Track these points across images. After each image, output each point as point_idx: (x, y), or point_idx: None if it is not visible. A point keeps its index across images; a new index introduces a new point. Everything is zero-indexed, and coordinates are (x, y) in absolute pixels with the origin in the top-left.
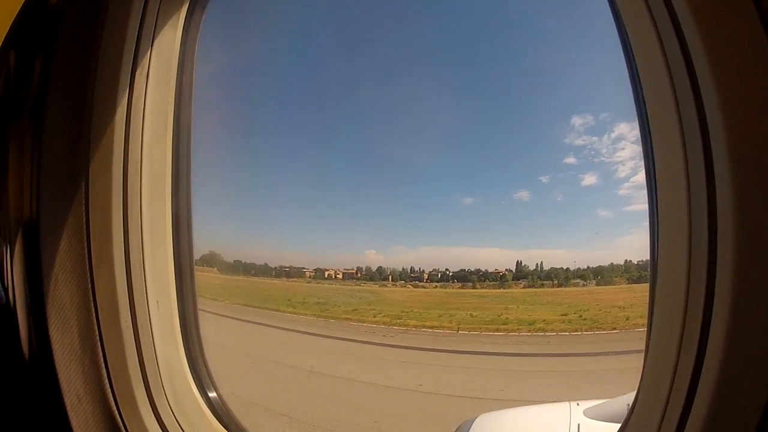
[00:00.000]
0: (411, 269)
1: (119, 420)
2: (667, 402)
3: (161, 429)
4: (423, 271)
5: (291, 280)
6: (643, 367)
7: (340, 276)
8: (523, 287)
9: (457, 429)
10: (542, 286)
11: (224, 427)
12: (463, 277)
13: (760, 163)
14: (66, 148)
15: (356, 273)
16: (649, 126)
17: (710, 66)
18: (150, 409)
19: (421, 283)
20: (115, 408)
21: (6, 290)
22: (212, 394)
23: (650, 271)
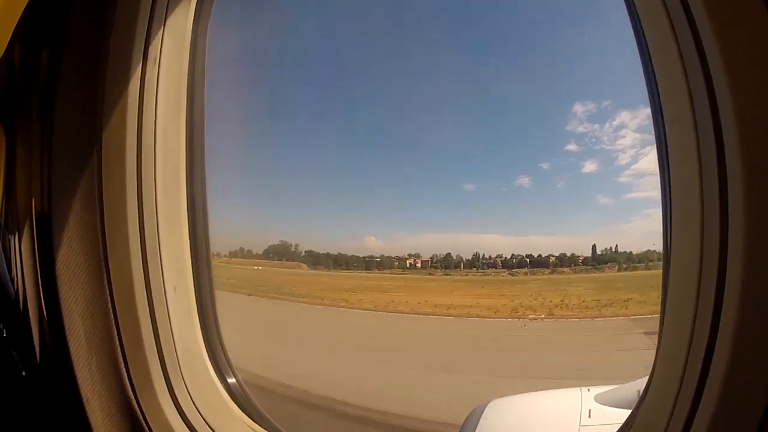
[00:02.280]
0: (480, 256)
1: (137, 407)
2: (679, 388)
3: (180, 415)
4: (491, 257)
5: (387, 271)
6: (656, 353)
7: (419, 265)
8: (618, 270)
9: (469, 415)
10: (635, 269)
11: (244, 413)
12: (540, 263)
13: None
14: (78, 138)
15: (431, 261)
16: (662, 114)
17: (721, 55)
18: (168, 395)
19: (505, 270)
20: (132, 395)
21: (15, 283)
22: (231, 380)
23: (663, 259)
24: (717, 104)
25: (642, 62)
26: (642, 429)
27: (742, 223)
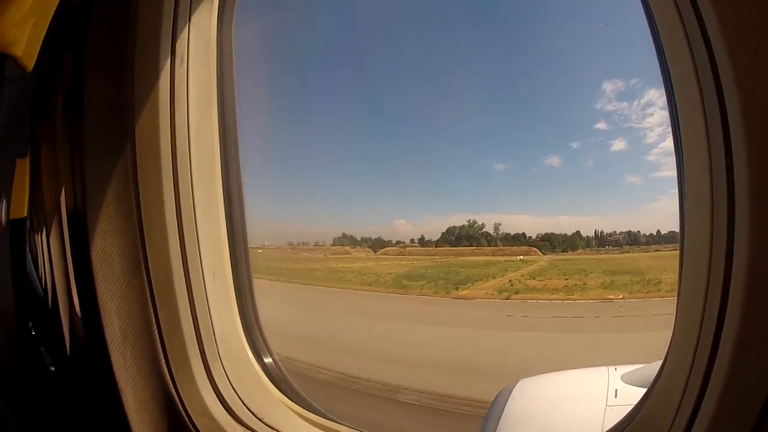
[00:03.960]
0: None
1: (174, 392)
2: (691, 368)
3: (218, 398)
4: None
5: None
6: (672, 335)
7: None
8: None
9: (497, 394)
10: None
11: (281, 392)
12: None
13: None
14: (110, 139)
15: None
16: (676, 108)
17: (728, 51)
18: (207, 379)
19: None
20: (170, 380)
21: (42, 281)
22: (267, 360)
23: (679, 244)
24: (723, 91)
25: (655, 48)
26: (654, 408)
27: (748, 207)
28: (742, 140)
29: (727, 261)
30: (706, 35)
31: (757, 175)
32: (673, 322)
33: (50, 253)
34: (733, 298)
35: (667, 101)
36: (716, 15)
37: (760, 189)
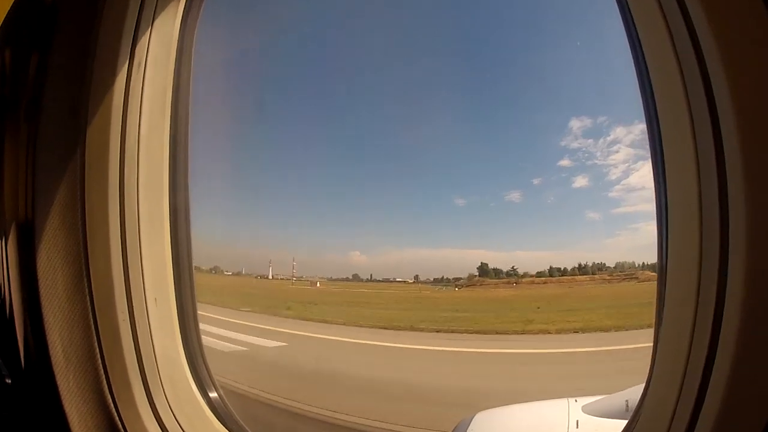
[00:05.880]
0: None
1: (118, 421)
2: (678, 399)
3: (161, 429)
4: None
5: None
6: (651, 364)
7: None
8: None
9: (456, 427)
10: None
11: (225, 427)
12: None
13: None
14: (62, 144)
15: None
16: (658, 119)
17: (721, 58)
18: (149, 408)
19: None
20: (113, 408)
21: (2, 289)
22: (213, 394)
23: (658, 267)
24: (715, 104)
25: (635, 62)
26: None
27: (744, 225)
28: (735, 140)
29: (720, 273)
30: (697, 45)
31: (753, 172)
32: (654, 345)
33: (7, 261)
34: (729, 314)
35: (642, 100)
36: (710, 28)
37: (757, 189)
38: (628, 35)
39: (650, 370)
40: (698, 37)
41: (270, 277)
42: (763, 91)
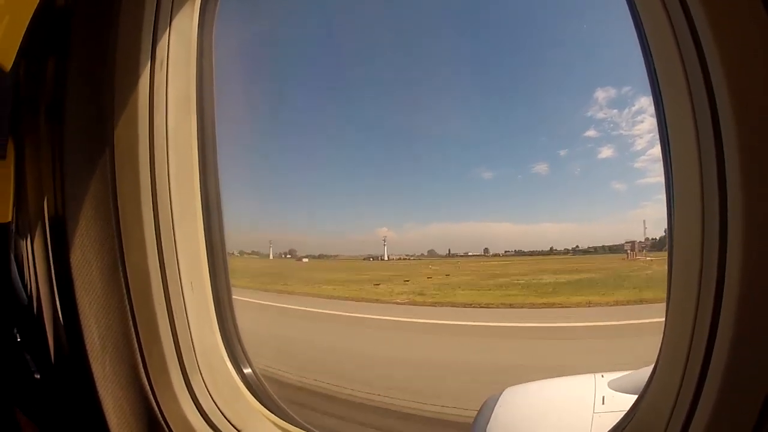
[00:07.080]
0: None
1: (154, 404)
2: (684, 373)
3: (197, 409)
4: None
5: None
6: (662, 341)
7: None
8: None
9: (483, 403)
10: None
11: (261, 404)
12: None
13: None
14: (89, 142)
15: None
16: (665, 115)
17: (720, 56)
18: (186, 391)
19: None
20: (150, 392)
21: (27, 288)
22: (247, 371)
23: (668, 246)
24: (715, 100)
25: (643, 53)
26: (646, 415)
27: (741, 211)
28: (733, 137)
29: (720, 260)
30: (698, 41)
31: (749, 170)
32: (663, 326)
33: (34, 258)
34: (728, 298)
35: (654, 101)
36: (710, 24)
37: (752, 185)
38: (634, 22)
39: (659, 349)
40: (699, 36)
41: (386, 258)
42: (763, 91)
